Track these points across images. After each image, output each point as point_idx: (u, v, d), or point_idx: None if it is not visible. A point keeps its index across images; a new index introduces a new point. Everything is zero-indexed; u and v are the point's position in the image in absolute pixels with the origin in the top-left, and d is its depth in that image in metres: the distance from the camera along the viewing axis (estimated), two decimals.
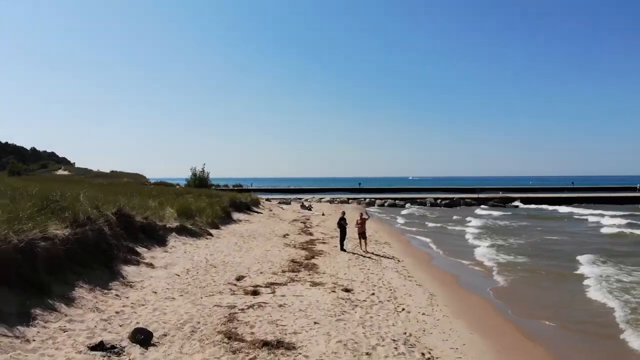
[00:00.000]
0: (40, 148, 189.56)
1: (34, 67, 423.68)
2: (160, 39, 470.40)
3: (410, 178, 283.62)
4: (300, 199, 57.92)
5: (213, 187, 47.78)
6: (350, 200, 57.19)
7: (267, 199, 53.61)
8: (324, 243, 21.08)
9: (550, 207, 51.43)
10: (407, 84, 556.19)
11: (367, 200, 56.72)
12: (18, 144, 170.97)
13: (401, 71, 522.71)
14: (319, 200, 56.56)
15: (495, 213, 44.12)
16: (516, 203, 57.19)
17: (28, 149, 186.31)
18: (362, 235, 19.81)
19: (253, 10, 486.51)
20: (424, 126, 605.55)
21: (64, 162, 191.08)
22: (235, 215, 27.33)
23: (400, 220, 37.62)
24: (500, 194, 68.27)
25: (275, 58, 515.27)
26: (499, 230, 29.85)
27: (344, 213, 20.55)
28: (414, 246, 23.65)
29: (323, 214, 36.75)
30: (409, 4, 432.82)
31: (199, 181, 44.72)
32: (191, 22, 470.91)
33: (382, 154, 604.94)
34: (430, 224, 33.87)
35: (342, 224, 19.66)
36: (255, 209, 34.24)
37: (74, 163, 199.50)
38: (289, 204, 50.37)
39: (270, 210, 36.97)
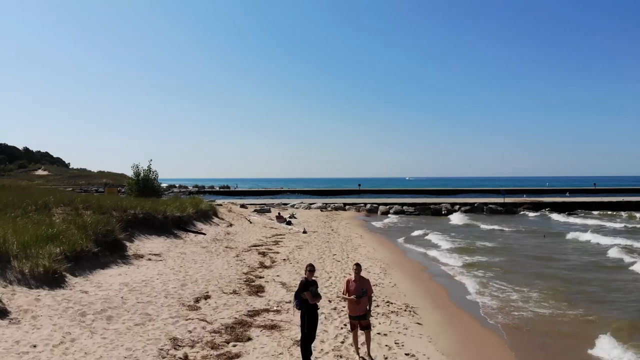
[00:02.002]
0: (38, 148, 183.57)
1: (35, 68, 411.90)
2: (159, 40, 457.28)
3: (407, 179, 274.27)
4: (286, 204, 46.04)
5: (164, 190, 35.86)
6: (347, 207, 45.20)
7: (243, 205, 41.76)
8: (273, 328, 9.10)
9: (579, 221, 39.48)
10: (405, 84, 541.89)
11: (369, 206, 44.74)
12: (11, 144, 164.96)
13: (399, 71, 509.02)
14: (309, 206, 44.60)
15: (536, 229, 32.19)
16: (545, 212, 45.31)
17: (20, 148, 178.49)
18: (359, 320, 7.86)
19: (251, 10, 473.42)
20: (420, 126, 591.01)
21: (58, 163, 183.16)
22: (138, 245, 15.45)
23: (417, 235, 25.68)
24: (525, 197, 56.46)
25: (273, 58, 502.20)
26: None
27: (311, 270, 7.59)
28: (466, 313, 11.71)
29: (304, 232, 24.80)
30: (408, 5, 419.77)
31: (143, 183, 32.90)
32: (189, 22, 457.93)
33: (378, 154, 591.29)
34: (467, 256, 21.88)
35: (304, 298, 7.27)
36: (201, 226, 22.39)
37: (69, 164, 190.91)
38: (269, 211, 38.49)
39: (229, 226, 25.13)
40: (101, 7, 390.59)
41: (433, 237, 25.48)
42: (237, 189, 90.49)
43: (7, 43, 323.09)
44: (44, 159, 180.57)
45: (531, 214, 42.59)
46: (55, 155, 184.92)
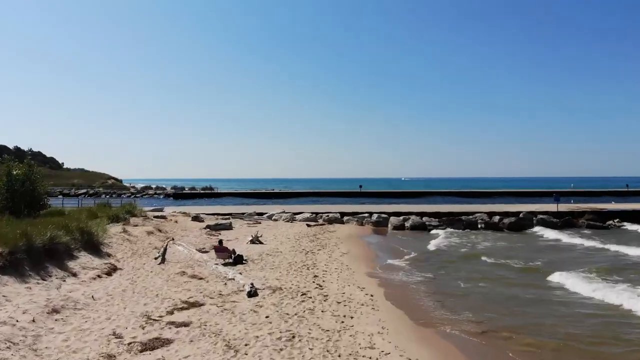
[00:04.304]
0: (38, 149, 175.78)
1: (35, 68, 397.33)
2: (159, 40, 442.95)
3: (403, 179, 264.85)
4: (262, 214, 32.90)
5: (45, 197, 22.82)
6: (345, 217, 32.01)
7: (196, 217, 28.74)
8: None
9: None
10: (405, 84, 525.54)
11: (375, 216, 31.51)
12: (8, 144, 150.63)
13: (396, 71, 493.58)
14: (292, 218, 31.39)
15: None
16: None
17: (11, 147, 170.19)
18: None
19: (251, 10, 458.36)
20: (416, 126, 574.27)
21: (51, 162, 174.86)
22: None
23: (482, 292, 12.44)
24: (570, 203, 43.31)
25: (273, 58, 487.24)
26: None
27: None
28: None
29: (252, 293, 11.36)
30: (409, 5, 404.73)
31: (22, 185, 19.83)
32: (189, 22, 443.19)
33: (378, 154, 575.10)
34: None
35: None
36: (10, 286, 9.30)
37: (63, 163, 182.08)
38: (229, 228, 25.48)
39: (97, 278, 11.95)
40: (101, 7, 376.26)
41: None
42: (215, 191, 77.18)
43: (7, 43, 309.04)
44: (36, 158, 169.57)
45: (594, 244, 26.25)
46: (48, 155, 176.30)
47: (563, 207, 36.13)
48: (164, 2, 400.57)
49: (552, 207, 37.10)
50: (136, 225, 21.19)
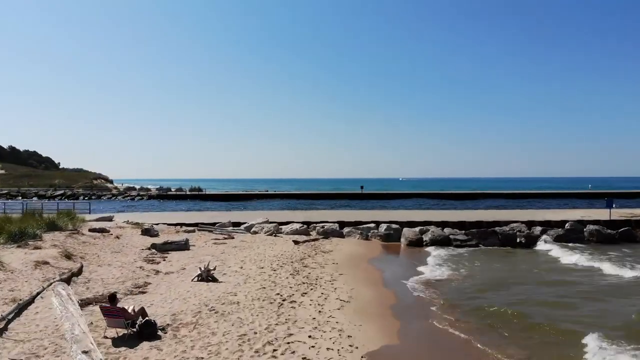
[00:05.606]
0: (36, 149, 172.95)
1: (35, 68, 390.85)
2: (159, 40, 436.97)
3: (401, 179, 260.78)
4: (239, 224, 25.72)
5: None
6: (346, 229, 24.81)
7: (147, 230, 21.62)
8: None
9: None
10: (405, 85, 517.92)
11: (384, 227, 24.31)
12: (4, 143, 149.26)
13: (396, 71, 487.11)
14: (276, 230, 24.20)
15: None
16: None
17: (6, 147, 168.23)
18: None
19: (251, 10, 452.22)
20: (416, 126, 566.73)
21: (47, 162, 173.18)
22: None
23: None
24: (613, 207, 36.20)
25: (273, 58, 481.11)
26: None
27: None
28: None
29: None
30: (409, 6, 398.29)
31: None
32: (189, 22, 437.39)
33: (373, 154, 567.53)
34: None
35: None
36: None
37: (59, 163, 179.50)
38: (185, 248, 18.38)
39: None
40: (101, 7, 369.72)
41: None
42: (203, 193, 69.92)
43: (7, 43, 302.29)
44: (32, 158, 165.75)
45: None
46: (44, 155, 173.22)
47: (615, 213, 29.07)
48: (164, 2, 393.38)
49: (601, 212, 30.24)
50: (38, 249, 14.12)
